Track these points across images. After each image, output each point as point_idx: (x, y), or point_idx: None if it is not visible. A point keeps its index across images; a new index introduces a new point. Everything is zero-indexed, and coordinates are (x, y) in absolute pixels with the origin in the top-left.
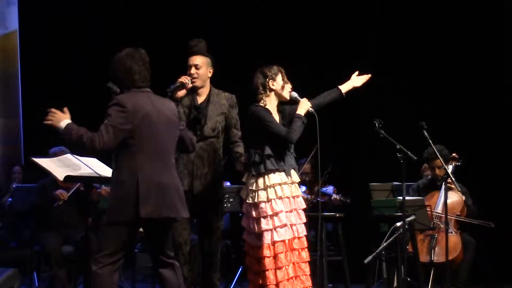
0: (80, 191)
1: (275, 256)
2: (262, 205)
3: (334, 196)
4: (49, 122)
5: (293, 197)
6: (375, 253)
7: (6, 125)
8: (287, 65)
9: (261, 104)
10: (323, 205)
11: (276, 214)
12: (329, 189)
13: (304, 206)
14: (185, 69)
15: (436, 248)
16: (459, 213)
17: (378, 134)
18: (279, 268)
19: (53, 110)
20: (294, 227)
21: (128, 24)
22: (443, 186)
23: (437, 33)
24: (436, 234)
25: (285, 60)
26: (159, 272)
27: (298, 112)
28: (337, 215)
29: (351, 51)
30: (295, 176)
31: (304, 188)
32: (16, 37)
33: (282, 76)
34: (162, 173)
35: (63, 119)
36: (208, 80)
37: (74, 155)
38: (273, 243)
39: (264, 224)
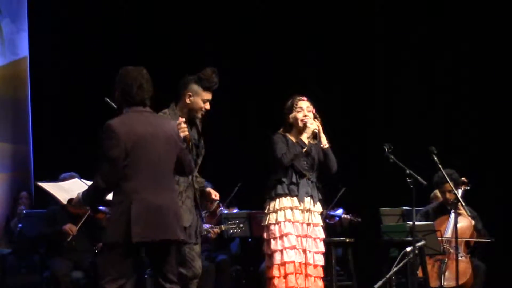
0: (89, 216)
1: (285, 277)
2: (272, 227)
3: (344, 216)
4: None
5: (308, 224)
6: (385, 278)
7: (16, 151)
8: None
9: (280, 132)
10: (333, 228)
11: (285, 235)
12: (338, 211)
13: (323, 236)
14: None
15: (446, 273)
16: (468, 238)
17: (388, 159)
18: None
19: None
20: (309, 254)
21: (138, 48)
22: (453, 211)
23: (445, 54)
24: (446, 259)
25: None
26: None
27: (301, 137)
28: (347, 240)
29: (359, 70)
30: (310, 204)
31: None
32: (26, 63)
33: (295, 106)
34: (157, 195)
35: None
36: None
37: (82, 180)
38: (283, 263)
39: (273, 245)
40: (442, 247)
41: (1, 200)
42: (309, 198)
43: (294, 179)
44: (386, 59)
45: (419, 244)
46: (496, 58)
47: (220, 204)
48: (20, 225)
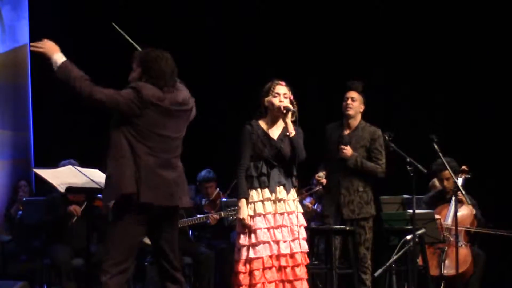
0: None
1: (250, 273)
2: (242, 221)
3: (306, 202)
4: (40, 50)
5: (281, 213)
6: (385, 266)
7: (16, 138)
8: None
9: (252, 123)
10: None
11: (253, 231)
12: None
13: (303, 222)
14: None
15: (446, 261)
16: (469, 226)
17: (388, 147)
18: (254, 286)
19: (43, 40)
20: (283, 244)
21: (138, 35)
22: (453, 199)
23: (446, 45)
24: (446, 247)
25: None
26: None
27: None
28: (347, 228)
29: (359, 63)
30: (283, 193)
31: (309, 199)
32: (27, 50)
33: (272, 90)
34: (164, 163)
35: (56, 51)
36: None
37: (76, 167)
38: (249, 260)
39: (242, 239)
40: (442, 235)
41: (1, 188)
42: (281, 187)
43: (264, 170)
44: (387, 44)
45: (419, 232)
46: (495, 53)
47: (221, 193)
48: (20, 212)
